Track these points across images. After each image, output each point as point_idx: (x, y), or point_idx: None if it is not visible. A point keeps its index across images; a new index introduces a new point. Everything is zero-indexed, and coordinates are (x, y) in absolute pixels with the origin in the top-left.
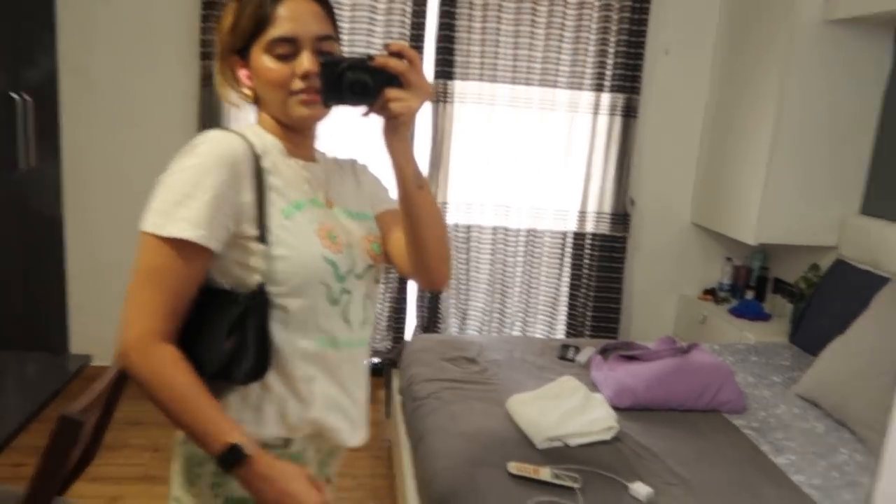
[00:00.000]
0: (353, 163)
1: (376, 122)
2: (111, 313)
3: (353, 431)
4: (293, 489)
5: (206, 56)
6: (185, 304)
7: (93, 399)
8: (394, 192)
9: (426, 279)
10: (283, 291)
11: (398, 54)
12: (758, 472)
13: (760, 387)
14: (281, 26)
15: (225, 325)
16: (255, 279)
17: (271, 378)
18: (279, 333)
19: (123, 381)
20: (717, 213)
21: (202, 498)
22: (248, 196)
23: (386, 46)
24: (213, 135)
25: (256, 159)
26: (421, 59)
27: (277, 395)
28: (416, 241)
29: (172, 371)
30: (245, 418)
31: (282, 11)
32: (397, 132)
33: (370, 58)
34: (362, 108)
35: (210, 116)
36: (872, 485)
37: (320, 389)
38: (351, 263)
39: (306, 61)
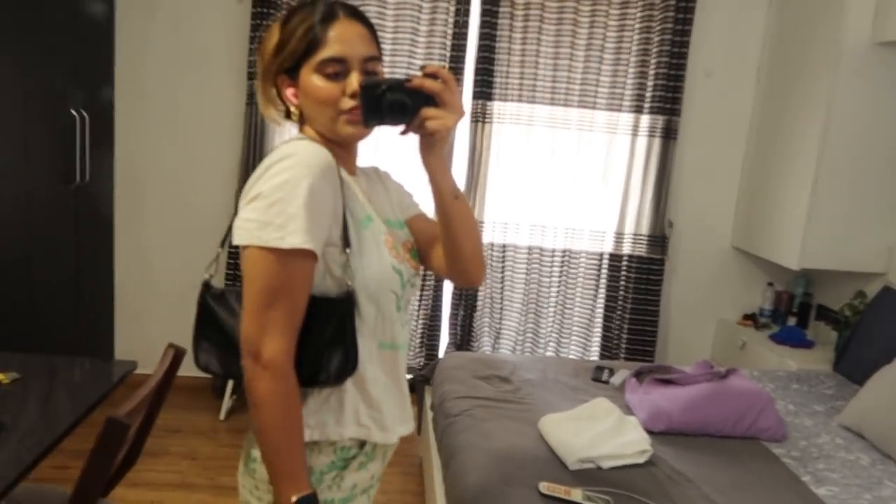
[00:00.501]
0: (376, 170)
1: (413, 139)
2: (156, 322)
3: (405, 426)
4: None
5: (252, 76)
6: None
7: (137, 404)
8: (416, 197)
9: (464, 279)
10: (360, 298)
11: (434, 76)
12: (798, 502)
13: (802, 415)
14: (331, 47)
15: (326, 332)
16: (344, 285)
17: (347, 381)
18: (362, 338)
19: (166, 388)
20: (759, 236)
21: None
22: (339, 205)
23: (422, 69)
24: (303, 145)
25: (338, 170)
26: (456, 80)
27: (351, 396)
28: (453, 248)
29: (295, 403)
30: (327, 420)
31: (332, 34)
32: (433, 149)
33: (407, 79)
34: (401, 127)
35: (255, 132)
36: None
37: (384, 390)
38: (408, 273)
39: (355, 81)
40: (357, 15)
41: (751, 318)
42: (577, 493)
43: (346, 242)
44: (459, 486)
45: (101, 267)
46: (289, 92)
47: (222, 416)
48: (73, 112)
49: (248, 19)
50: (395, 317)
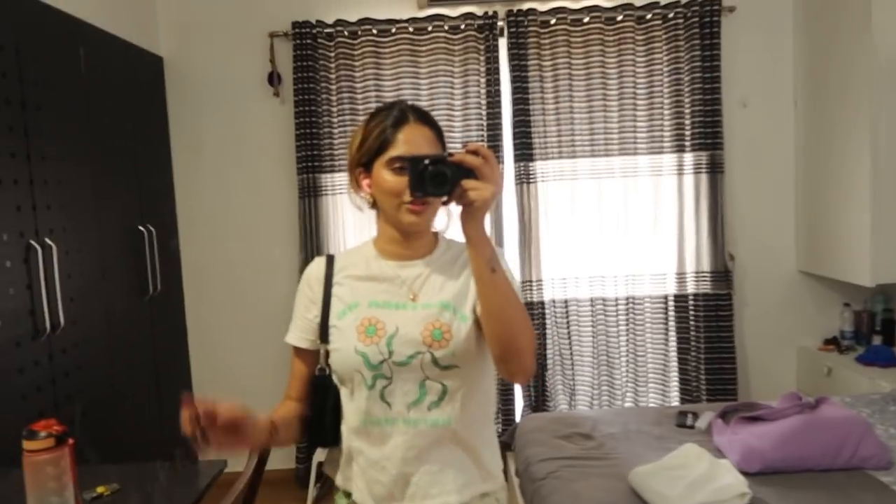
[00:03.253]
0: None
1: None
2: None
3: (419, 501)
4: None
5: (301, 171)
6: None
7: (233, 499)
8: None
9: (506, 369)
10: (337, 378)
11: (475, 153)
12: None
13: None
14: (398, 147)
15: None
16: (323, 369)
17: (344, 446)
18: (346, 412)
19: (257, 483)
20: (826, 257)
21: None
22: (314, 311)
23: (464, 145)
24: (312, 262)
25: (329, 271)
26: (496, 156)
27: (346, 459)
28: (493, 325)
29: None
30: (341, 478)
31: (401, 136)
32: (473, 218)
33: (450, 154)
34: (444, 198)
35: (310, 223)
36: None
37: (372, 463)
38: (385, 354)
39: (411, 175)
40: (425, 119)
41: (832, 343)
42: None
43: (323, 337)
44: None
45: (179, 370)
46: (364, 183)
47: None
48: (141, 227)
49: (292, 117)
50: (367, 394)
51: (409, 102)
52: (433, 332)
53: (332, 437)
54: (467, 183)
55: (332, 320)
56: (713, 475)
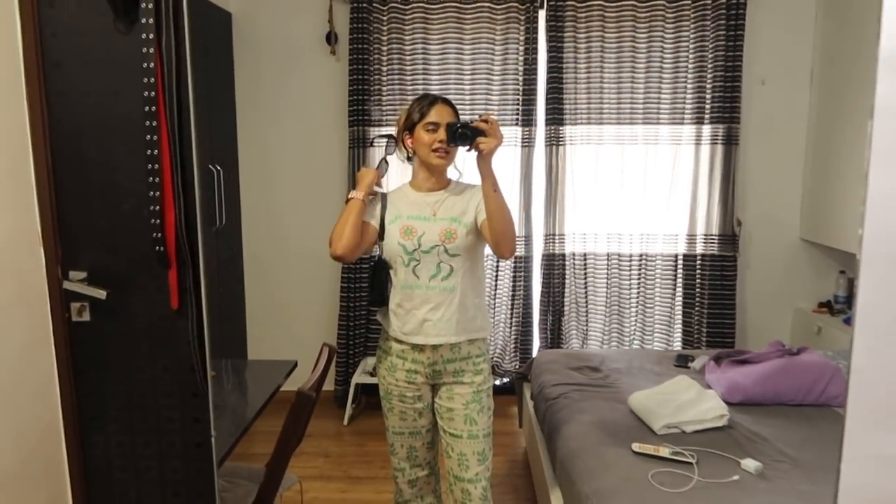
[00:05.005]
0: (470, 187)
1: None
2: (279, 334)
3: (432, 337)
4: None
5: (352, 123)
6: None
7: (314, 383)
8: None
9: (496, 250)
10: (388, 262)
11: (485, 121)
12: None
13: None
14: (431, 117)
15: (380, 277)
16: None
17: (390, 304)
18: (392, 281)
19: (323, 378)
20: (827, 227)
21: None
22: (377, 210)
23: (480, 117)
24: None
25: (384, 198)
26: (529, 119)
27: (392, 312)
28: (490, 225)
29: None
30: (386, 323)
31: (433, 111)
32: (484, 160)
33: (471, 122)
34: (466, 147)
35: (357, 172)
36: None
37: (405, 312)
38: (416, 245)
39: (442, 134)
40: (447, 102)
41: (826, 306)
42: (664, 450)
43: (381, 235)
44: (563, 450)
45: (236, 298)
46: (408, 141)
47: (346, 421)
48: (211, 167)
49: (346, 74)
50: (405, 269)
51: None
52: (446, 233)
53: (382, 299)
54: (481, 139)
55: (386, 224)
56: (699, 400)
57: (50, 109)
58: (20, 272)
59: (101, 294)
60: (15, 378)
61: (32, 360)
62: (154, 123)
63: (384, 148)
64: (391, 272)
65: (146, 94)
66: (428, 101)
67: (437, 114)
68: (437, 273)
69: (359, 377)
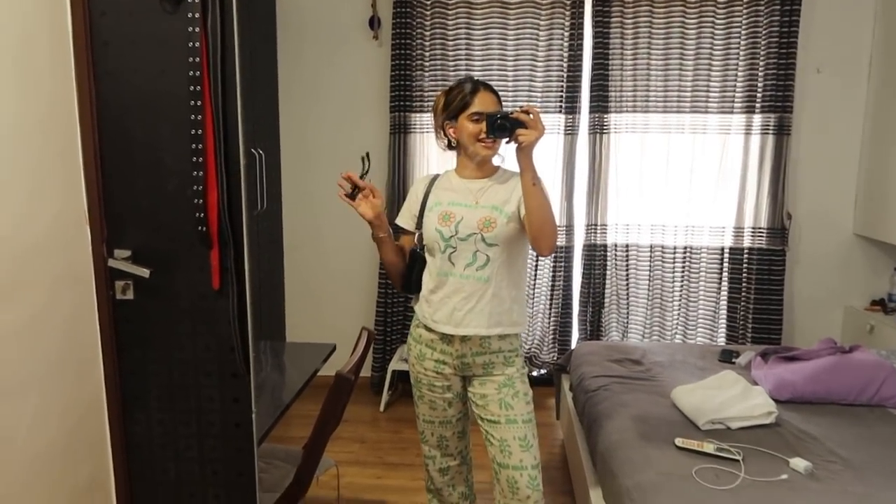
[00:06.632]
0: (514, 175)
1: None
2: (316, 319)
3: (462, 327)
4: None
5: (393, 109)
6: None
7: (352, 367)
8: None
9: (534, 245)
10: (427, 249)
11: (526, 112)
12: None
13: None
14: (476, 106)
15: (417, 267)
16: (417, 246)
17: (423, 289)
18: (427, 267)
19: (362, 362)
20: (883, 223)
21: None
22: (416, 206)
23: (521, 108)
24: (422, 177)
25: (430, 183)
26: (573, 106)
27: (424, 298)
28: (529, 218)
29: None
30: (419, 310)
31: (476, 99)
32: (524, 152)
33: (511, 112)
34: (506, 139)
35: (398, 156)
36: None
37: (439, 299)
38: (453, 232)
39: (485, 123)
40: (490, 89)
41: (879, 304)
42: (709, 446)
43: (418, 225)
44: (603, 444)
45: (275, 282)
46: (450, 131)
47: (382, 408)
48: (253, 150)
49: (388, 60)
50: (441, 256)
51: (476, 77)
52: (485, 222)
53: (416, 287)
54: (520, 131)
55: (426, 211)
56: (745, 396)
57: (98, 89)
58: (67, 250)
59: (145, 272)
60: (61, 354)
61: (78, 336)
62: (199, 103)
63: (362, 160)
64: (428, 259)
65: (191, 73)
66: (470, 89)
67: (480, 102)
68: (473, 262)
69: (395, 364)
